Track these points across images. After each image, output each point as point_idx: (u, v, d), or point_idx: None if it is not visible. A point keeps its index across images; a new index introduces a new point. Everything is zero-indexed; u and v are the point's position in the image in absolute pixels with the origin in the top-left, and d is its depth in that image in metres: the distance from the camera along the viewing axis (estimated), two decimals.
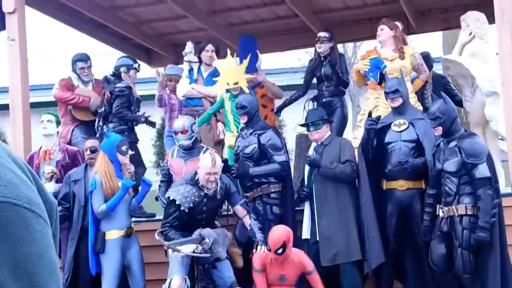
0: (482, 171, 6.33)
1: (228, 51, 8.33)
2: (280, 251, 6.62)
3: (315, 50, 8.94)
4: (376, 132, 7.09)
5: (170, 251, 6.76)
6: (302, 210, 7.32)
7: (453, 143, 6.49)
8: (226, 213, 7.57)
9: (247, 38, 9.42)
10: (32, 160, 7.95)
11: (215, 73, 8.83)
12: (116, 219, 6.99)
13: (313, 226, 7.13)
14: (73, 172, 7.55)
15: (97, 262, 6.98)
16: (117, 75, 8.72)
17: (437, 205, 6.60)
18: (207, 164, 6.74)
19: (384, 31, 7.94)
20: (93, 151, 7.45)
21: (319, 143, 7.24)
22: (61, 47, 16.28)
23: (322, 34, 8.82)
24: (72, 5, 9.42)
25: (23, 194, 1.35)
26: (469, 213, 6.38)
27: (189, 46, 9.01)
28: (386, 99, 7.23)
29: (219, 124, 8.67)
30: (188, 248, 6.60)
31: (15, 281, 1.32)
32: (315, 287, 6.79)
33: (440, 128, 6.52)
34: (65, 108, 8.90)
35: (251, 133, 7.40)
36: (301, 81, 9.70)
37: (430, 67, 8.61)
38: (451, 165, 6.45)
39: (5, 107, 15.77)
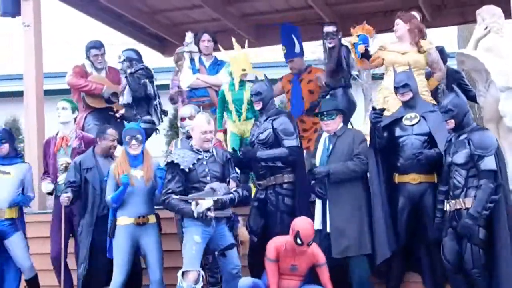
0: (488, 163, 6.32)
1: (233, 39, 8.42)
2: (310, 243, 6.62)
3: (324, 44, 8.86)
4: (387, 126, 7.08)
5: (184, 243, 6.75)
6: (314, 201, 7.27)
7: (463, 136, 6.49)
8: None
9: (283, 27, 9.42)
10: (49, 145, 7.99)
11: (216, 62, 8.97)
12: (128, 206, 7.04)
13: (325, 218, 7.10)
14: (83, 159, 7.53)
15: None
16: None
17: (445, 201, 6.60)
18: (202, 123, 6.81)
19: (400, 26, 7.86)
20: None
21: (332, 134, 7.20)
22: (75, 35, 16.24)
23: (330, 29, 8.72)
24: None
25: None
26: None
27: (189, 37, 9.09)
28: (396, 93, 7.19)
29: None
30: (206, 203, 6.60)
31: None
32: (322, 279, 6.78)
33: (453, 121, 6.50)
34: (78, 95, 8.91)
35: (265, 120, 7.39)
36: None
37: (444, 62, 8.55)
38: (459, 157, 6.44)
39: (19, 93, 15.88)
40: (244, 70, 8.18)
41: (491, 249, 6.35)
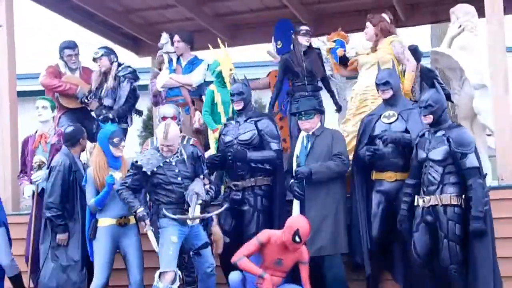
0: (472, 160, 6.35)
1: (219, 40, 8.41)
2: (298, 240, 6.62)
3: (294, 44, 8.76)
4: (366, 123, 7.14)
5: (154, 244, 6.74)
6: (291, 200, 7.28)
7: (440, 133, 6.51)
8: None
9: (281, 23, 9.47)
10: (27, 144, 7.96)
11: (193, 61, 8.90)
12: (109, 208, 7.05)
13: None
14: (70, 162, 7.41)
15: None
16: None
17: (416, 196, 6.61)
18: (159, 136, 6.80)
19: (369, 29, 7.97)
20: None
21: (310, 133, 7.21)
22: (49, 36, 16.13)
23: (306, 27, 8.70)
24: None
25: None
26: (453, 203, 6.39)
27: (165, 37, 9.06)
28: (377, 90, 7.22)
29: (197, 113, 8.65)
30: (197, 213, 6.66)
31: None
32: (303, 276, 6.77)
33: (431, 116, 6.52)
34: (52, 95, 8.84)
35: (245, 120, 7.40)
36: None
37: (418, 60, 8.58)
38: (437, 153, 6.46)
39: None
40: (231, 70, 8.16)
41: (468, 246, 6.37)
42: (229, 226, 7.37)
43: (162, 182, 6.77)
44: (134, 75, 8.59)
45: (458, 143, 6.39)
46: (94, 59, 8.61)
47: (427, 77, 8.60)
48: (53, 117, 8.36)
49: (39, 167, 7.61)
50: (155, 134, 7.83)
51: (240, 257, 6.69)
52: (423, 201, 6.53)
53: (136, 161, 6.82)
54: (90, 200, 7.03)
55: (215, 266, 6.95)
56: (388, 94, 7.12)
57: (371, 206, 7.13)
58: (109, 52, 8.66)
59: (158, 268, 6.82)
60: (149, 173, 6.76)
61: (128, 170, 6.93)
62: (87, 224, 7.12)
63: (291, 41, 8.73)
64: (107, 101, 8.51)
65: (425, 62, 9.23)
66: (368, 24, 7.92)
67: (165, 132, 6.73)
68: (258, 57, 14.21)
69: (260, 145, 7.26)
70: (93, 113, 8.73)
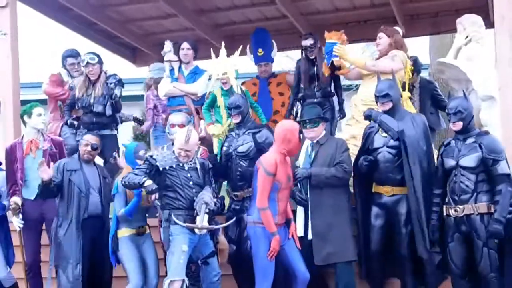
0: (503, 167, 6.37)
1: (223, 44, 8.35)
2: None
3: (302, 51, 8.89)
4: (367, 134, 7.16)
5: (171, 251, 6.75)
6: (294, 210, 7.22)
7: (470, 140, 6.51)
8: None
9: (260, 31, 9.50)
10: (14, 150, 7.81)
11: (196, 71, 8.89)
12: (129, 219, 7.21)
13: (307, 225, 7.07)
14: (67, 162, 7.51)
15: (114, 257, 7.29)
16: None
17: (444, 205, 6.59)
18: (181, 140, 6.83)
19: (383, 40, 7.86)
20: (95, 148, 7.46)
21: (315, 141, 7.20)
22: (50, 45, 16.04)
23: (307, 43, 8.67)
24: (62, 1, 9.37)
25: None
26: (490, 211, 6.38)
27: (168, 45, 9.03)
28: (376, 102, 7.13)
29: (202, 121, 8.67)
30: (205, 221, 6.69)
31: None
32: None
33: (461, 123, 6.52)
34: (55, 104, 8.86)
35: (244, 132, 7.44)
36: None
37: (418, 72, 8.62)
38: (469, 160, 6.44)
39: None
40: (218, 74, 8.09)
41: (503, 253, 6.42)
42: (235, 235, 7.40)
43: (175, 184, 6.79)
44: (121, 82, 8.57)
45: (490, 149, 6.39)
46: (87, 64, 8.45)
47: (426, 89, 8.65)
48: (49, 122, 8.51)
49: (14, 210, 7.57)
50: (167, 141, 7.83)
51: (264, 207, 6.68)
52: (456, 210, 6.50)
53: (151, 156, 6.87)
54: (120, 209, 7.13)
55: (220, 274, 6.98)
56: (388, 106, 7.01)
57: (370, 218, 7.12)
58: (101, 60, 8.60)
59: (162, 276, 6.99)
60: (161, 168, 6.78)
61: (140, 165, 6.96)
62: (111, 234, 7.25)
63: (271, 50, 8.98)
64: (97, 108, 8.45)
65: (424, 74, 9.29)
66: (382, 34, 7.86)
67: (187, 136, 6.79)
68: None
69: (257, 156, 7.21)
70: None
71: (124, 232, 7.22)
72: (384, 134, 7.02)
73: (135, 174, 6.74)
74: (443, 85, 10.22)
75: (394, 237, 6.98)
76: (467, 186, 6.44)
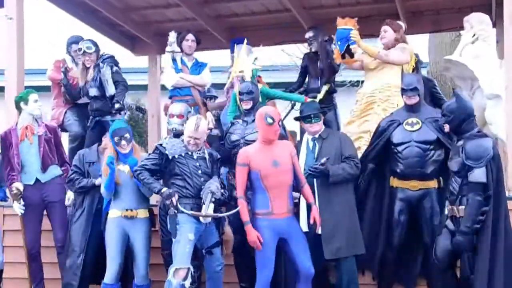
0: (476, 175, 6.25)
1: (245, 41, 8.34)
2: (270, 121, 6.59)
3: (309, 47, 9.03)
4: (384, 127, 7.14)
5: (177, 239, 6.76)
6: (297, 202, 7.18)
7: (460, 142, 6.46)
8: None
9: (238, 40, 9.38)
10: (9, 137, 7.83)
11: (198, 63, 8.97)
12: (117, 200, 7.18)
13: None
14: (86, 152, 7.66)
15: None
16: None
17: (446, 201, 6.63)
18: (190, 128, 6.90)
19: (388, 33, 7.94)
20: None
21: (317, 136, 7.16)
22: (54, 32, 15.94)
23: (307, 35, 8.86)
24: None
25: None
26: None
27: (173, 36, 9.04)
28: (402, 95, 7.16)
29: (208, 113, 8.68)
30: (211, 210, 6.73)
31: None
32: (297, 168, 6.77)
33: (447, 125, 6.53)
34: (58, 90, 8.86)
35: (253, 120, 7.38)
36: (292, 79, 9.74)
37: (417, 69, 8.65)
38: (454, 164, 6.44)
39: None
40: (241, 72, 8.10)
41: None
42: (239, 223, 7.26)
43: (183, 172, 6.83)
44: (112, 59, 8.50)
45: (469, 155, 6.29)
46: (84, 53, 8.42)
47: (426, 86, 8.68)
48: (53, 108, 8.57)
49: (16, 196, 7.59)
50: (168, 133, 7.82)
51: (239, 196, 6.67)
52: (447, 209, 6.55)
53: (161, 144, 6.92)
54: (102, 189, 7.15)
55: (223, 264, 7.01)
56: (415, 100, 7.07)
57: (385, 211, 7.15)
58: (98, 49, 8.57)
59: (162, 264, 7.13)
60: (170, 157, 6.84)
61: (149, 154, 6.99)
62: (103, 216, 7.27)
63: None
64: (92, 92, 8.43)
65: (423, 72, 9.34)
66: (387, 28, 7.95)
67: (197, 124, 6.86)
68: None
69: None
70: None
71: (112, 214, 7.19)
72: (409, 128, 7.01)
73: (146, 168, 6.81)
74: (441, 83, 10.30)
75: (418, 229, 7.02)
76: (453, 188, 6.44)
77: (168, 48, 8.99)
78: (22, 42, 8.44)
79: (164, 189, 6.73)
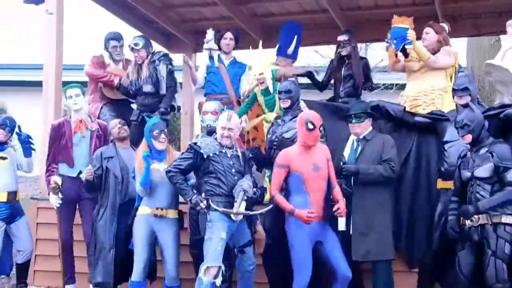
0: None
1: (260, 43, 8.35)
2: (311, 127, 6.65)
3: (337, 50, 8.98)
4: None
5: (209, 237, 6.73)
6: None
7: (483, 150, 6.49)
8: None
9: (291, 24, 9.48)
10: (60, 128, 7.86)
11: (239, 63, 8.95)
12: (149, 197, 7.15)
13: (348, 219, 7.00)
14: (104, 150, 7.61)
15: None
16: None
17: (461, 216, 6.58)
18: (223, 119, 6.93)
19: (430, 35, 7.88)
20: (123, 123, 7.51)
21: (361, 137, 7.16)
22: (93, 29, 16.01)
23: (341, 38, 8.87)
24: None
25: None
26: (503, 221, 6.33)
27: (210, 33, 9.06)
28: (453, 96, 7.20)
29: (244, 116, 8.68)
30: (242, 208, 6.72)
31: None
32: (331, 172, 6.85)
33: (470, 136, 6.52)
34: (95, 85, 8.87)
35: (290, 119, 7.41)
36: None
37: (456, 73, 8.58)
38: (483, 171, 6.42)
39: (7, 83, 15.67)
40: (255, 75, 8.14)
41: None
42: (273, 227, 7.28)
43: (218, 171, 6.82)
44: (168, 58, 8.61)
45: (502, 157, 6.37)
46: (132, 49, 8.54)
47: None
48: (89, 103, 8.42)
49: (54, 189, 7.59)
50: (202, 131, 7.83)
51: (275, 193, 6.73)
52: (471, 220, 6.46)
53: (195, 143, 6.90)
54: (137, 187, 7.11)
55: (255, 264, 6.99)
56: (465, 100, 7.08)
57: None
58: (148, 44, 8.65)
59: (191, 262, 7.15)
60: (205, 156, 6.83)
61: (183, 153, 6.98)
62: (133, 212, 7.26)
63: (289, 45, 9.02)
64: (146, 88, 8.48)
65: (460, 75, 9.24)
66: (429, 30, 7.88)
67: (229, 115, 6.93)
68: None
69: None
70: (133, 105, 8.70)
71: (141, 210, 7.17)
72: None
73: (180, 169, 6.81)
74: (479, 88, 10.19)
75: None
76: (482, 196, 6.40)
77: (205, 46, 8.99)
78: (62, 37, 8.48)
79: (193, 197, 6.70)
